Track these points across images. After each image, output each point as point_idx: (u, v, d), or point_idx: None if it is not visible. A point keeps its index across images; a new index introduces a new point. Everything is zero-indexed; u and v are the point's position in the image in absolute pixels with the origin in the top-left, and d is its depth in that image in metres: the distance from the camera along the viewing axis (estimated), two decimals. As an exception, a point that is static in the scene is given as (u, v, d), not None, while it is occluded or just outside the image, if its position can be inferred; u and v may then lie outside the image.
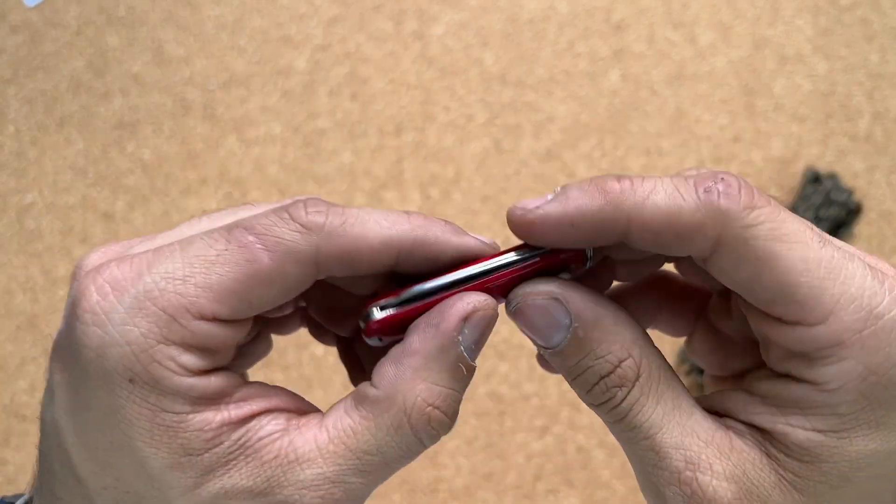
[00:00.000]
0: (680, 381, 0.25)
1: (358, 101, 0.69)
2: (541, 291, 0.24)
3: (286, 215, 0.24)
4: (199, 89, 0.69)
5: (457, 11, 0.70)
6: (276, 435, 0.24)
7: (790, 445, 0.23)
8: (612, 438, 0.65)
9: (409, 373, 0.24)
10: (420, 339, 0.24)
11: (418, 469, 0.64)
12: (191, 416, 0.23)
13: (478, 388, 0.64)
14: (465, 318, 0.24)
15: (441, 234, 0.25)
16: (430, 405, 0.24)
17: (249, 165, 0.68)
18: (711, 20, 0.70)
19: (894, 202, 0.68)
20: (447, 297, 0.25)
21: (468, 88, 0.69)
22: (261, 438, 0.24)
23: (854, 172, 0.68)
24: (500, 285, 0.25)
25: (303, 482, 0.24)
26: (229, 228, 0.24)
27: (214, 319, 0.23)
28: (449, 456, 0.64)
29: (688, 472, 0.23)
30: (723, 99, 0.69)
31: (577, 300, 0.24)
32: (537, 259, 0.25)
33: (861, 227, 0.67)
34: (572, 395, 0.65)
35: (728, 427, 0.24)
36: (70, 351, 0.24)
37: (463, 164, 0.68)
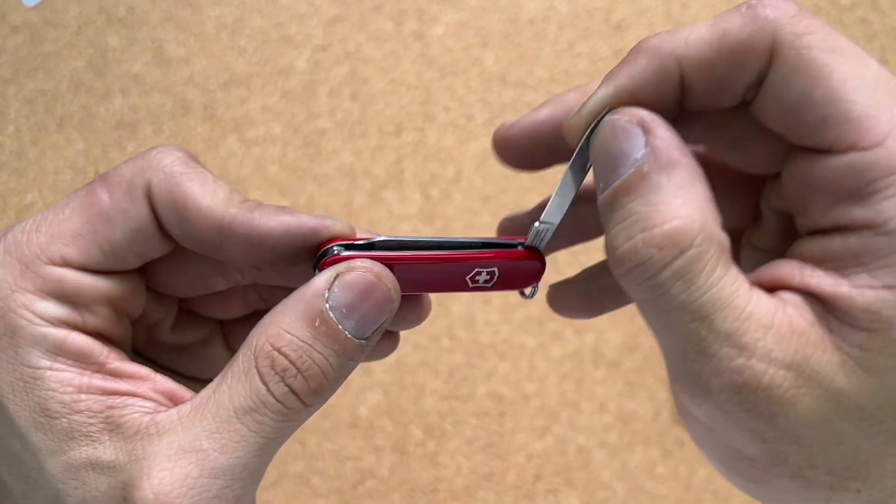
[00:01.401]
0: (735, 263, 0.21)
1: (358, 101, 0.69)
2: (627, 113, 0.21)
3: (140, 157, 0.24)
4: (200, 89, 0.69)
5: (457, 11, 0.70)
6: (141, 414, 0.23)
7: (856, 312, 0.19)
8: (612, 438, 0.65)
9: (267, 319, 0.23)
10: (292, 293, 0.23)
11: (418, 469, 0.64)
12: (48, 372, 0.23)
13: (478, 388, 0.64)
14: (336, 276, 0.23)
15: (266, 214, 0.24)
16: (274, 348, 0.22)
17: (250, 165, 0.68)
18: (711, 20, 0.70)
19: (894, 202, 0.68)
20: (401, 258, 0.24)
21: (468, 88, 0.69)
22: (123, 416, 0.23)
23: (854, 172, 0.68)
24: (458, 264, 0.25)
25: (157, 454, 0.22)
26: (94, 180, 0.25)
27: (66, 264, 0.23)
28: (449, 456, 0.64)
29: (741, 360, 0.20)
30: (723, 99, 0.69)
31: (662, 134, 0.21)
32: (497, 250, 0.26)
33: (861, 227, 0.67)
34: (573, 395, 0.65)
35: (785, 303, 0.21)
36: None
37: (463, 164, 0.68)
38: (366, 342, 0.23)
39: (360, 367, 0.72)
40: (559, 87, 0.69)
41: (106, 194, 0.24)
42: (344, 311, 0.23)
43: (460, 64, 0.69)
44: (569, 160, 0.24)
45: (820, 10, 0.70)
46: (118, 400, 0.23)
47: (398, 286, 0.24)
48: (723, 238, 0.21)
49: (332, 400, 0.67)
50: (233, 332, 0.30)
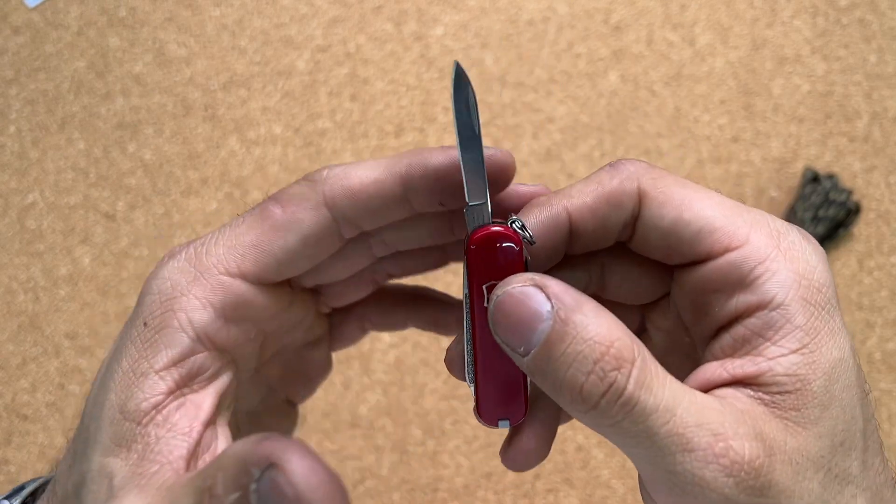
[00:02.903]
0: None
1: (358, 101, 0.69)
2: (518, 279, 0.24)
3: (301, 179, 0.27)
4: (201, 90, 0.69)
5: (457, 12, 0.70)
6: (164, 463, 0.24)
7: (778, 380, 0.23)
8: (611, 438, 0.65)
9: None
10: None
11: (418, 468, 0.64)
12: (154, 375, 0.25)
13: (478, 388, 0.65)
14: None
15: (433, 150, 0.26)
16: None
17: (250, 166, 0.68)
18: (710, 21, 0.70)
19: (892, 202, 0.68)
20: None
21: (468, 89, 0.69)
22: (156, 452, 0.24)
23: (852, 173, 0.68)
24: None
25: (125, 500, 0.23)
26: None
27: (241, 275, 0.26)
28: (449, 455, 0.64)
29: (721, 444, 0.22)
30: (722, 99, 0.69)
31: (555, 285, 0.23)
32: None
33: (860, 227, 0.67)
34: (572, 394, 0.65)
35: (722, 397, 0.24)
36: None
37: (463, 165, 0.68)
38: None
39: (361, 366, 0.72)
40: (559, 88, 0.69)
41: (279, 208, 0.26)
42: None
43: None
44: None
45: (818, 11, 0.70)
46: (168, 434, 0.25)
47: None
48: (643, 345, 0.24)
49: (333, 399, 0.67)
50: (337, 338, 0.33)
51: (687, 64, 0.69)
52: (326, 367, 0.34)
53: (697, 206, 0.25)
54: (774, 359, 0.23)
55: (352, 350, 0.64)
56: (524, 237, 0.26)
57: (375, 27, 0.70)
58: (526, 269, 0.25)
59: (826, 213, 0.65)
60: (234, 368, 0.27)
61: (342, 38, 0.70)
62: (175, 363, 0.25)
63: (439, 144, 0.68)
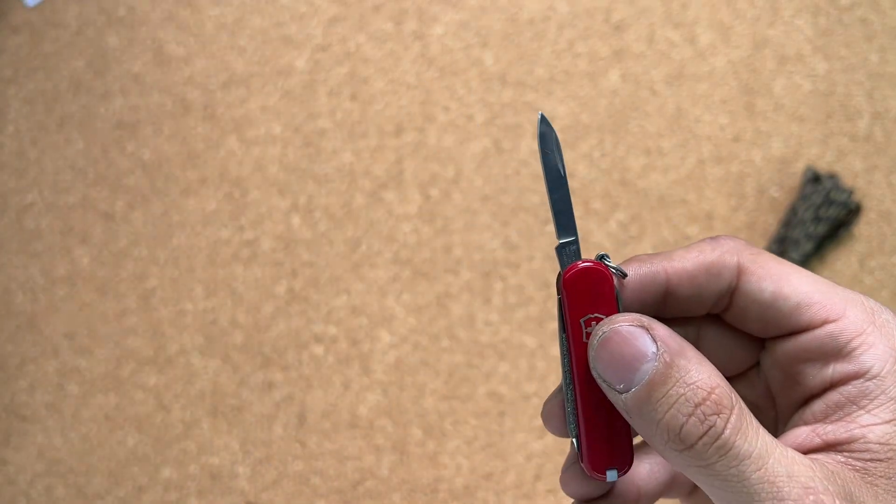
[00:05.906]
0: None
1: (358, 101, 0.69)
2: (624, 318, 0.25)
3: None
4: (200, 89, 0.69)
5: (457, 11, 0.70)
6: None
7: (871, 447, 0.24)
8: (612, 438, 0.65)
9: None
10: None
11: (418, 469, 0.64)
12: None
13: (478, 388, 0.65)
14: None
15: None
16: None
17: (249, 165, 0.68)
18: (711, 20, 0.70)
19: (894, 202, 0.68)
20: None
21: (468, 88, 0.69)
22: None
23: (854, 172, 0.68)
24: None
25: None
26: None
27: None
28: (449, 456, 0.64)
29: (811, 497, 0.23)
30: (723, 99, 0.69)
31: (660, 328, 0.25)
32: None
33: (861, 227, 0.67)
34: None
35: (813, 458, 0.24)
36: None
37: (463, 164, 0.68)
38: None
39: (360, 366, 0.72)
40: (559, 87, 0.69)
41: None
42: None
43: (460, 64, 0.69)
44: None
45: (820, 10, 0.70)
46: None
47: None
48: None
49: (332, 400, 0.67)
50: None
51: (688, 63, 0.69)
52: None
53: (795, 281, 0.26)
54: (868, 426, 0.24)
55: (351, 350, 0.64)
56: (614, 271, 0.27)
57: (375, 26, 0.70)
58: (618, 306, 0.27)
59: (827, 212, 0.65)
60: None
61: (342, 38, 0.70)
62: None
63: (439, 144, 0.68)
